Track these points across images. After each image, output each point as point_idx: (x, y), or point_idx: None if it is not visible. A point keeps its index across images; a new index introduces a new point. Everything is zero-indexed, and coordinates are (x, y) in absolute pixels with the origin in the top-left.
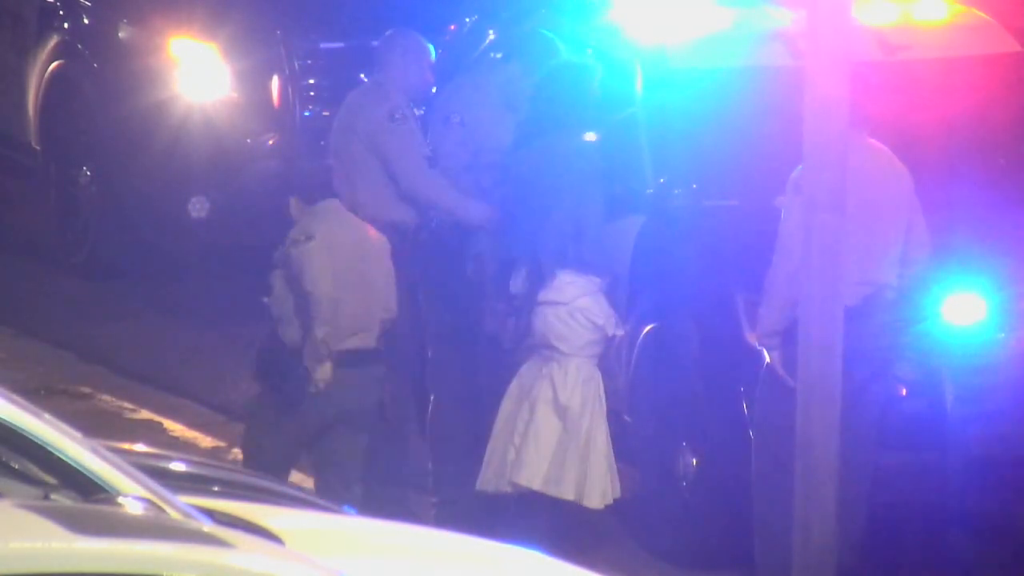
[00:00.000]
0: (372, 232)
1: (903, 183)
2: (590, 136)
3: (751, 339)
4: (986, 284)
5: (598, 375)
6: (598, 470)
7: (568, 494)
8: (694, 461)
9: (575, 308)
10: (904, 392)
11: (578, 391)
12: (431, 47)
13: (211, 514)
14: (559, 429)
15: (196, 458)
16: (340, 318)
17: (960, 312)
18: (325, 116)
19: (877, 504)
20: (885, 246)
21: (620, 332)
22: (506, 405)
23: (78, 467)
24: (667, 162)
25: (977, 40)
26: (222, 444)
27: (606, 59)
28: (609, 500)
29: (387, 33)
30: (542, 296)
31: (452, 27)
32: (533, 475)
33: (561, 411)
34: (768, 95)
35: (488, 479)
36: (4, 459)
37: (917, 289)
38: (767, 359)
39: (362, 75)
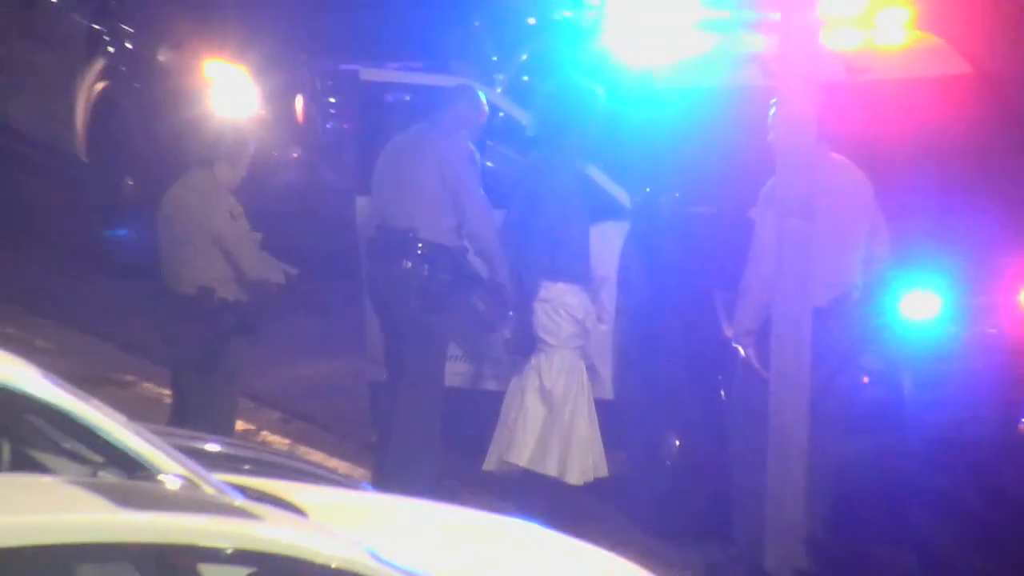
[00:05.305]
0: None
1: (864, 192)
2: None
3: (728, 334)
4: (941, 283)
5: (581, 365)
6: (579, 451)
7: (551, 471)
8: (677, 443)
9: (559, 304)
10: (867, 381)
11: (561, 379)
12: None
13: (242, 490)
14: (544, 413)
15: (229, 440)
16: None
17: (918, 308)
18: (344, 130)
19: (843, 481)
20: (850, 249)
21: (602, 327)
22: (507, 396)
23: (122, 448)
24: (652, 173)
25: (933, 63)
26: (251, 427)
27: (598, 80)
28: (589, 478)
29: (454, 87)
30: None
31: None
32: (520, 454)
33: (546, 396)
34: (744, 112)
35: (491, 461)
36: (56, 440)
37: (879, 287)
38: (742, 353)
39: None
